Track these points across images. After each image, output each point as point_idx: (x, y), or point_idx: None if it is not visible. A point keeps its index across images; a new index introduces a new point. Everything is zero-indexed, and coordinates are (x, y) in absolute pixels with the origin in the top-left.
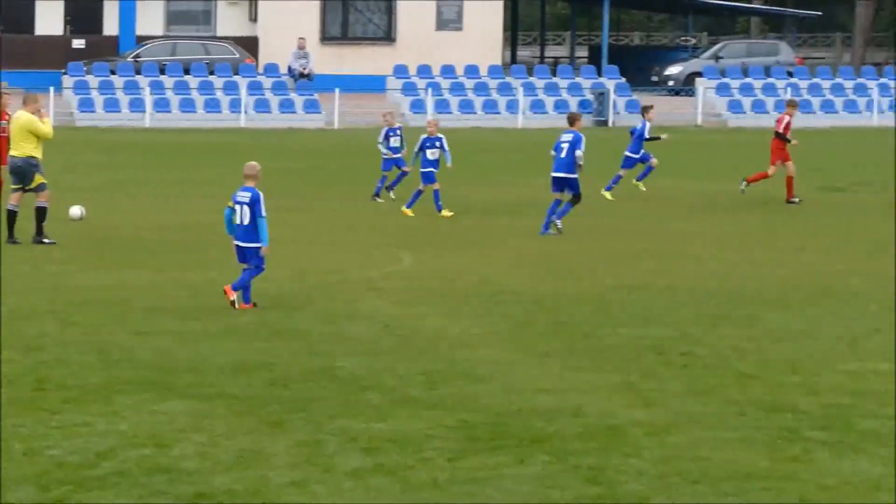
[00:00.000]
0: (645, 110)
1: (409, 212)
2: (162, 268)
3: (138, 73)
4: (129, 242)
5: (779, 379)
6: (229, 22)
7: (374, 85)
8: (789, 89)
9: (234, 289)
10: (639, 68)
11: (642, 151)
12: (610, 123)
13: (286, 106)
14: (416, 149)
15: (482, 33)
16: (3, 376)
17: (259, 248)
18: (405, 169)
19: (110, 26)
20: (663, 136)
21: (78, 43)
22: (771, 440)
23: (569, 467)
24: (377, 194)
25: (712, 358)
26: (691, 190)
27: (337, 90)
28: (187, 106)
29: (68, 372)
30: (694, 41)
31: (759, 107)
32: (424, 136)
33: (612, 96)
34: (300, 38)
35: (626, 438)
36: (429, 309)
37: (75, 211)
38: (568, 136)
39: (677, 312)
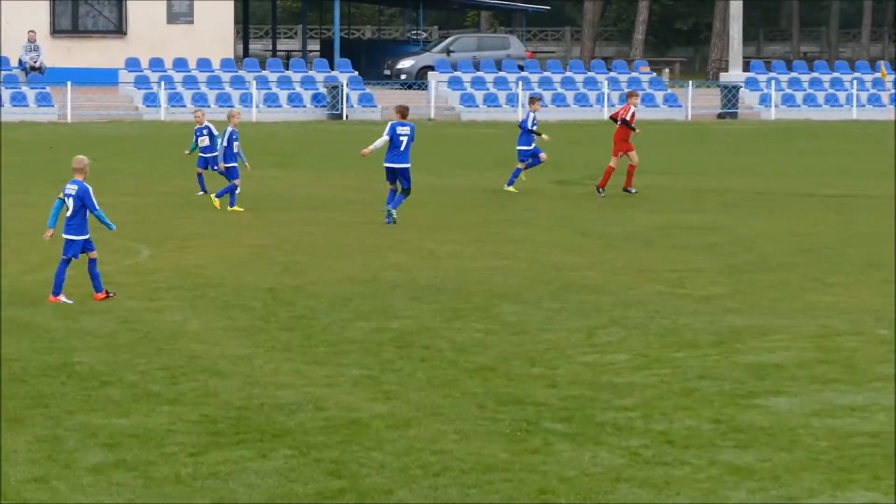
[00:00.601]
0: (531, 101)
1: (216, 207)
2: None
3: None
4: None
5: (518, 371)
6: None
7: (106, 78)
8: (521, 83)
9: (55, 294)
10: (371, 62)
11: (533, 145)
12: (344, 117)
13: (18, 99)
14: (223, 142)
15: (214, 26)
16: None
17: (83, 240)
18: (220, 167)
19: None
20: (544, 136)
21: None
22: (511, 432)
23: (311, 461)
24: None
25: (452, 351)
26: (426, 184)
27: (69, 83)
28: None
29: None
30: (425, 35)
31: (490, 100)
32: (230, 128)
33: (346, 90)
34: (30, 31)
35: (368, 432)
36: (168, 303)
37: None
38: (406, 129)
39: (417, 306)
